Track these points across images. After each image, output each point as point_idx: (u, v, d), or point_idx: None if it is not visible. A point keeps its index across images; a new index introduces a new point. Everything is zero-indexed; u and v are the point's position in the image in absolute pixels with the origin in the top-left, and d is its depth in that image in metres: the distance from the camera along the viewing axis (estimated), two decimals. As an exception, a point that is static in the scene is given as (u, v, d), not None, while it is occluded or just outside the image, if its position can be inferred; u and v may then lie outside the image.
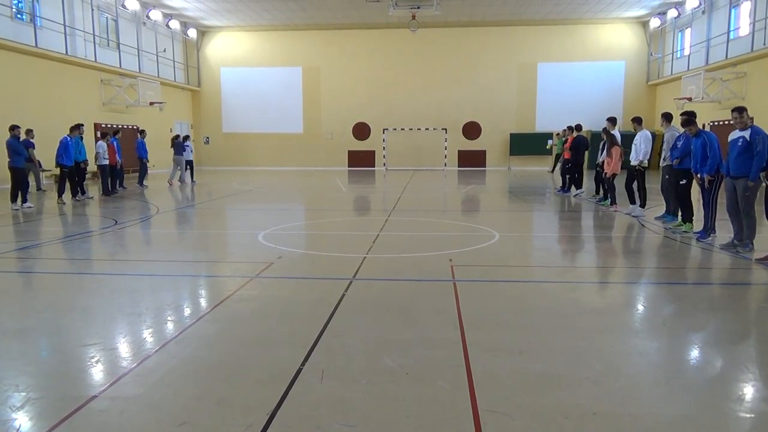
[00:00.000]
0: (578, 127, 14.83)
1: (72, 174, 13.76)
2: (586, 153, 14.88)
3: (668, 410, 3.04)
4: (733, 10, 22.03)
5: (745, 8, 21.39)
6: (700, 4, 23.64)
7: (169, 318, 4.73)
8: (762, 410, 3.09)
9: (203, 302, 5.39)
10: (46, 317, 4.77)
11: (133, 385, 3.34)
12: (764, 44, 19.35)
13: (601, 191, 12.83)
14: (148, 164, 18.77)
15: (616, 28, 28.71)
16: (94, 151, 15.44)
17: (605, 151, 12.00)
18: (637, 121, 11.03)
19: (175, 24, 27.45)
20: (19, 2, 19.03)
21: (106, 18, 23.72)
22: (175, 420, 2.93)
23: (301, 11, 26.46)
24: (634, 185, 10.97)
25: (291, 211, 13.46)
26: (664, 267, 6.98)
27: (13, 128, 12.13)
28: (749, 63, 20.53)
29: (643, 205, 10.96)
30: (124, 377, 3.46)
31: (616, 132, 12.06)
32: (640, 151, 10.59)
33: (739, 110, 7.28)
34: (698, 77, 22.27)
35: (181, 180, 19.33)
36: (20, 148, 12.12)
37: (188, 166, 19.59)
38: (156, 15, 25.67)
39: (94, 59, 21.88)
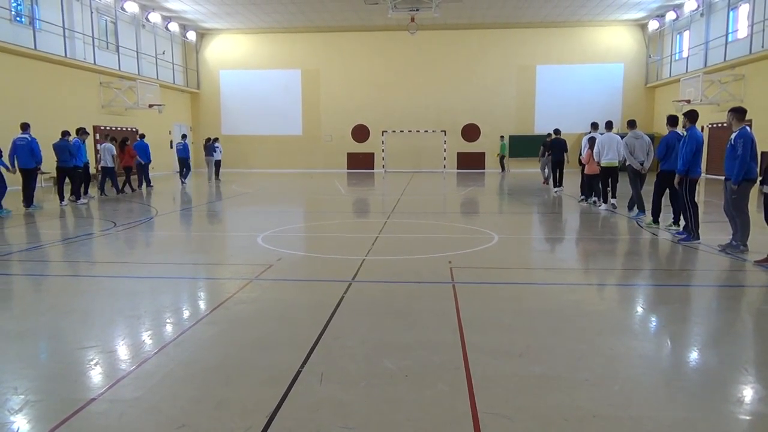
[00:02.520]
0: (556, 132, 16.78)
1: (81, 175, 14.15)
2: (565, 154, 16.28)
3: (668, 413, 3.04)
4: (731, 13, 22.09)
5: (744, 11, 21.44)
6: (699, 6, 23.69)
7: (168, 320, 4.72)
8: (762, 412, 3.09)
9: (202, 305, 5.39)
10: (45, 320, 4.77)
11: (132, 388, 3.34)
12: (762, 47, 19.40)
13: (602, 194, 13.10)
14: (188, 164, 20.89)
15: (615, 31, 28.77)
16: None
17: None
18: (629, 124, 11.48)
19: (174, 27, 27.49)
20: (18, 5, 19.04)
21: (105, 21, 23.74)
22: (174, 422, 2.92)
23: (300, 14, 26.49)
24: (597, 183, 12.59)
25: (290, 213, 13.46)
26: (663, 269, 6.98)
27: (66, 134, 13.71)
28: (748, 65, 20.57)
29: (584, 199, 13.31)
30: (123, 380, 3.45)
31: (595, 135, 12.84)
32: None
33: (729, 111, 7.42)
34: (697, 79, 22.32)
35: (209, 177, 21.81)
36: (74, 150, 13.64)
37: (216, 165, 22.12)
38: (155, 18, 25.70)
39: (93, 62, 21.89)
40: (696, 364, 3.88)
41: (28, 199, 12.20)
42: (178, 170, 20.60)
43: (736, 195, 7.19)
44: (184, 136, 21.71)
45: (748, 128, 7.26)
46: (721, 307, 5.31)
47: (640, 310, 5.16)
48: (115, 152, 16.14)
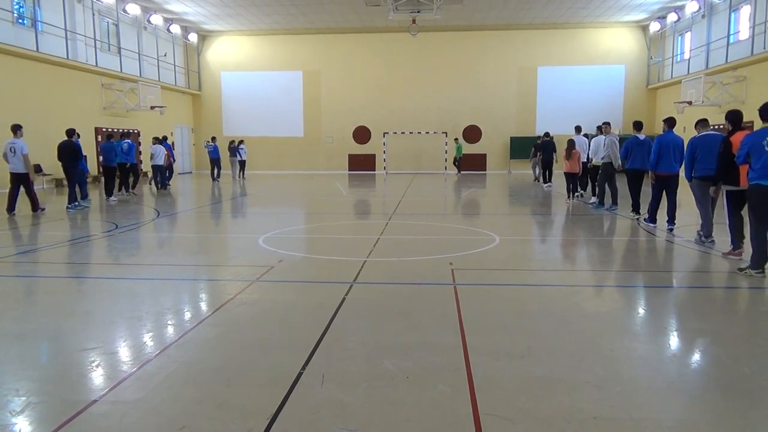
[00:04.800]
0: (547, 134, 19.47)
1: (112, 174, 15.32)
2: (554, 154, 18.99)
3: (669, 414, 3.04)
4: (732, 14, 22.08)
5: (745, 12, 21.44)
6: (700, 8, 23.69)
7: (169, 322, 4.73)
8: (763, 414, 3.09)
9: (203, 306, 5.39)
10: (46, 321, 4.77)
11: (133, 390, 3.34)
12: (764, 48, 19.39)
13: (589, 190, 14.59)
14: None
15: (616, 32, 28.77)
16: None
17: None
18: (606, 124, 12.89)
19: (175, 28, 27.54)
20: (20, 7, 19.09)
21: (107, 22, 23.80)
22: (175, 424, 2.92)
23: (301, 15, 26.53)
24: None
25: (292, 214, 13.46)
26: (664, 270, 6.97)
27: (110, 136, 15.50)
28: (749, 67, 20.56)
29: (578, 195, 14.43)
30: (125, 381, 3.46)
31: (578, 138, 14.56)
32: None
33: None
34: (698, 81, 22.31)
35: (234, 176, 23.93)
36: (117, 150, 15.35)
37: (241, 165, 24.13)
38: (157, 20, 25.75)
39: (95, 63, 21.95)
40: (697, 365, 3.87)
41: (75, 196, 13.11)
42: (210, 170, 23.27)
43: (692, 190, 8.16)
44: (213, 138, 24.30)
45: (706, 134, 7.95)
46: (722, 308, 5.31)
47: (641, 311, 5.15)
48: (165, 152, 17.82)
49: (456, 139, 28.34)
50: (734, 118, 7.17)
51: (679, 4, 24.77)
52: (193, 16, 26.90)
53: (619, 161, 11.94)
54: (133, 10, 24.06)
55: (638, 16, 27.11)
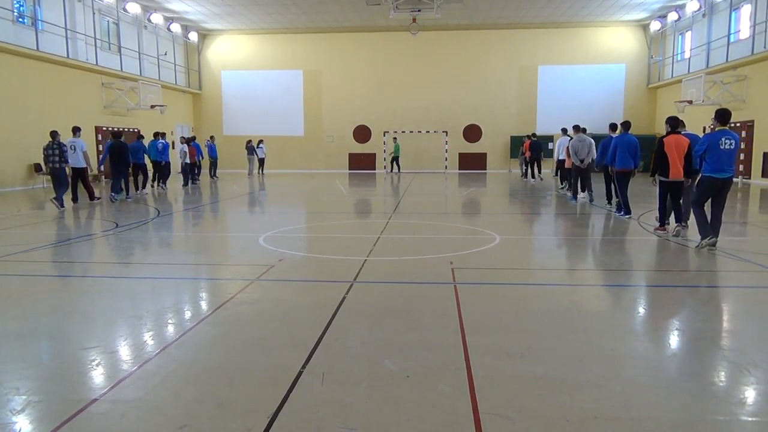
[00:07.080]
0: (534, 135, 21.96)
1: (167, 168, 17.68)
2: (542, 153, 21.44)
3: (670, 414, 3.03)
4: (733, 14, 22.07)
5: (746, 11, 21.43)
6: (701, 7, 23.68)
7: (169, 321, 4.73)
8: (764, 414, 3.08)
9: (204, 305, 5.39)
10: (46, 320, 4.78)
11: (133, 389, 3.34)
12: (765, 47, 19.38)
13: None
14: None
15: (617, 32, 28.76)
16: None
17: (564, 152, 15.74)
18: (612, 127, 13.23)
19: (176, 27, 27.54)
20: (20, 6, 19.09)
21: (108, 21, 23.80)
22: (175, 423, 2.92)
23: (301, 14, 26.52)
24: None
25: (292, 213, 13.46)
26: (664, 269, 6.97)
27: (140, 137, 16.86)
28: (750, 66, 20.55)
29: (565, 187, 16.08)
30: (125, 380, 3.46)
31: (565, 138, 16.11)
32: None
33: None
34: (699, 80, 22.30)
35: (250, 172, 25.83)
36: (152, 148, 17.37)
37: (260, 163, 26.13)
38: (157, 18, 25.75)
39: (95, 63, 21.94)
40: (697, 365, 3.87)
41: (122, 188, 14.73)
42: (209, 169, 24.10)
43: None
44: (212, 138, 25.62)
45: (671, 136, 8.29)
46: (723, 307, 5.30)
47: (641, 310, 5.15)
48: (188, 151, 19.77)
49: (395, 139, 28.25)
50: (673, 122, 8.38)
51: (679, 3, 24.76)
52: (194, 15, 26.90)
53: (579, 160, 13.20)
54: (134, 9, 24.06)
55: (639, 15, 27.10)
